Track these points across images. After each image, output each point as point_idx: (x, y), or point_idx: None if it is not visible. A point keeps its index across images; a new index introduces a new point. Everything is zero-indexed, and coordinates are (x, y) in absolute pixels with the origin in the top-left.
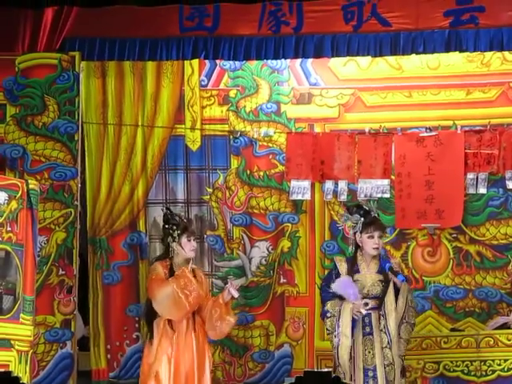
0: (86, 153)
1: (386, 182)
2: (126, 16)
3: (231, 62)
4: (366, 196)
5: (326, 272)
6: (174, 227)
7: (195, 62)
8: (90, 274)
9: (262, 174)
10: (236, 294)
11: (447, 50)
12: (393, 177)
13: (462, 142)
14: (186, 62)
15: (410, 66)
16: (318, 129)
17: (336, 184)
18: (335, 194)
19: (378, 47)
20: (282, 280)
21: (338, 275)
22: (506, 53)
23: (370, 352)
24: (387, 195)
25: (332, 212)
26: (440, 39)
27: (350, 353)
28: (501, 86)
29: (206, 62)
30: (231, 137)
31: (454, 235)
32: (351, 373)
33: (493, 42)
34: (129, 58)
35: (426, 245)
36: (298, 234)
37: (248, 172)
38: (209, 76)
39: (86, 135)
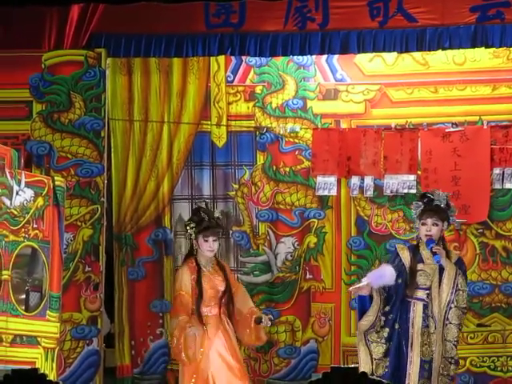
0: (112, 149)
1: (413, 177)
2: (152, 13)
3: (257, 58)
4: (391, 192)
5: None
6: (192, 224)
7: (221, 58)
8: (115, 270)
9: (287, 169)
10: (269, 323)
11: (473, 46)
12: (419, 172)
13: (488, 137)
14: (212, 58)
15: (435, 62)
16: (344, 124)
17: (362, 180)
18: (361, 189)
19: (403, 43)
20: (307, 276)
21: (400, 262)
22: None
23: (426, 344)
24: (413, 191)
25: (358, 208)
26: (466, 35)
27: (407, 342)
28: None
29: (232, 58)
30: (257, 133)
31: (480, 230)
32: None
33: None
34: (155, 54)
35: (453, 240)
36: (324, 230)
37: (274, 168)
38: (235, 72)
39: (112, 132)
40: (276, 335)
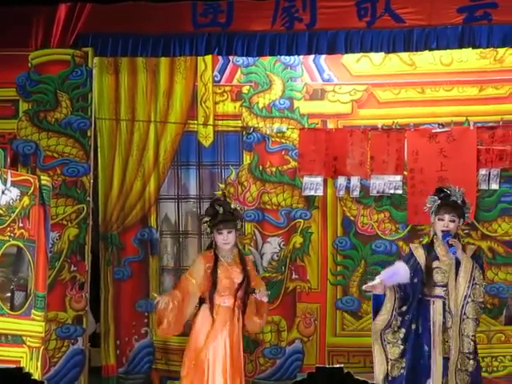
0: (99, 149)
1: (399, 177)
2: (140, 12)
3: (244, 57)
4: (378, 192)
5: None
6: (206, 218)
7: (208, 57)
8: (101, 269)
9: (274, 169)
10: (265, 299)
11: (460, 46)
12: (405, 173)
13: (475, 138)
14: (199, 57)
15: (422, 62)
16: (330, 125)
17: (348, 180)
18: (348, 189)
19: (391, 43)
20: (293, 276)
21: (415, 262)
22: None
23: (447, 342)
24: (400, 191)
25: (344, 208)
26: (453, 35)
27: (429, 340)
28: None
29: (219, 57)
30: (244, 133)
31: (466, 231)
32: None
33: (506, 38)
34: (142, 54)
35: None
36: (310, 230)
37: (260, 168)
38: (222, 72)
39: (98, 131)
40: (261, 335)
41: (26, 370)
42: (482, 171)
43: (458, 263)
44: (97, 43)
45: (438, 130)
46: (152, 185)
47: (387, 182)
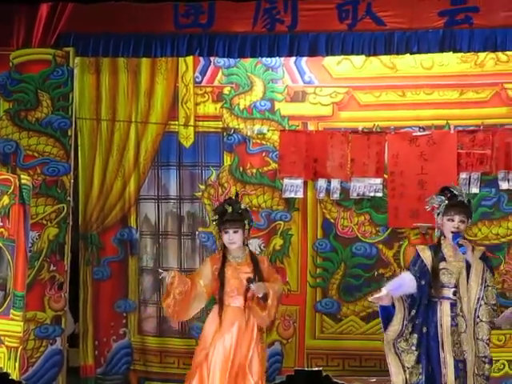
0: (79, 148)
1: (379, 180)
2: (121, 12)
3: (225, 59)
4: (358, 195)
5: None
6: (214, 217)
7: (189, 58)
8: (80, 269)
9: (254, 171)
10: (258, 293)
11: (441, 50)
12: (386, 176)
13: (455, 141)
14: (180, 58)
15: (403, 66)
16: (311, 127)
17: (329, 182)
18: (328, 192)
19: (372, 46)
20: None
21: (421, 264)
22: (500, 53)
23: (457, 344)
24: (380, 194)
25: (324, 210)
26: (434, 39)
27: (437, 344)
28: (494, 87)
29: (201, 59)
30: (224, 134)
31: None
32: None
33: (487, 42)
34: (123, 54)
35: (419, 244)
36: (290, 232)
37: (241, 169)
38: (203, 73)
39: (79, 131)
40: None
41: (4, 370)
42: (463, 175)
43: (468, 266)
44: (78, 43)
45: (419, 134)
46: (132, 185)
47: (367, 185)
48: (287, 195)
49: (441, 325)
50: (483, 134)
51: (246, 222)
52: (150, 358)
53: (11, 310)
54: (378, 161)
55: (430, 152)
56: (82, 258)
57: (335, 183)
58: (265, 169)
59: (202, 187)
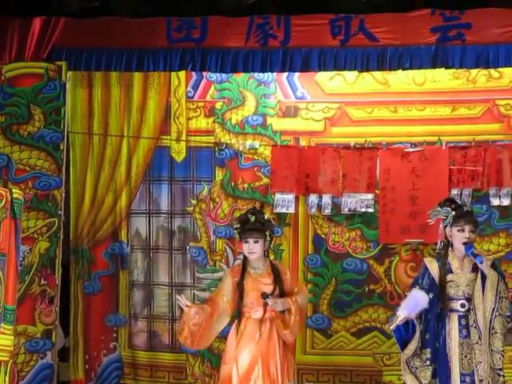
0: (71, 162)
1: (370, 196)
2: (114, 27)
3: (218, 74)
4: (349, 210)
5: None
6: (236, 225)
7: (182, 73)
8: (71, 283)
9: (246, 186)
10: (277, 308)
11: (433, 66)
12: (377, 191)
13: (447, 157)
14: (172, 73)
15: (396, 82)
16: (303, 142)
17: (320, 198)
18: (319, 207)
19: (364, 62)
20: None
21: (429, 276)
22: (492, 70)
23: (466, 356)
24: (371, 210)
25: (316, 226)
26: (426, 55)
27: (441, 357)
28: (486, 103)
29: (193, 73)
30: (216, 149)
31: (438, 251)
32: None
33: (479, 58)
34: (116, 68)
35: (409, 260)
36: (281, 247)
37: (232, 184)
38: (195, 88)
39: (71, 145)
40: None
41: None
42: (454, 191)
43: (483, 277)
44: (71, 57)
45: (411, 150)
46: (123, 199)
47: (359, 201)
48: (278, 210)
49: (450, 337)
50: (475, 150)
51: (267, 232)
52: (141, 372)
53: (2, 324)
54: (370, 176)
55: (422, 168)
56: (73, 272)
57: (327, 198)
58: (256, 184)
59: (194, 202)
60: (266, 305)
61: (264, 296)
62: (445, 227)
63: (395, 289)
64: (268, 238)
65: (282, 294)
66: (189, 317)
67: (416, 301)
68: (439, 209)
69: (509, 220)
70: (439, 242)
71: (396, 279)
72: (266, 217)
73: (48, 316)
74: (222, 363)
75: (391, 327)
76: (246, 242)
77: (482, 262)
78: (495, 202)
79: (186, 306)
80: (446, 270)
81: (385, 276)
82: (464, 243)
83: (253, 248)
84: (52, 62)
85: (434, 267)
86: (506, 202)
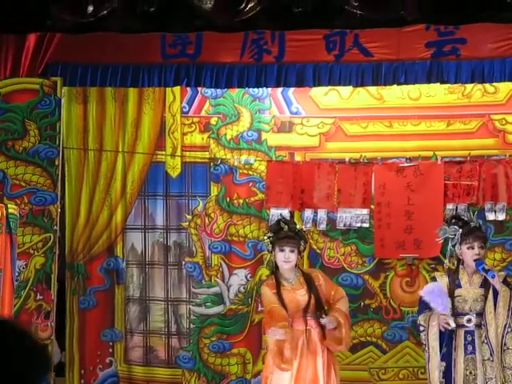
0: (66, 178)
1: (366, 211)
2: (109, 42)
3: (213, 89)
4: (345, 225)
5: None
6: (270, 234)
7: (177, 89)
8: (67, 298)
9: (241, 201)
10: (330, 325)
11: (428, 81)
12: (372, 206)
13: (442, 172)
14: (167, 88)
15: (390, 96)
16: (298, 157)
17: (315, 213)
18: (314, 222)
19: (359, 77)
20: (259, 308)
21: None
22: (487, 85)
23: (471, 373)
24: (366, 225)
25: (311, 241)
26: (421, 70)
27: (450, 372)
28: (481, 118)
29: (188, 89)
30: (211, 164)
31: (433, 265)
32: None
33: (474, 73)
34: (111, 84)
35: (405, 275)
36: None
37: (228, 199)
38: (190, 103)
39: (66, 160)
40: (227, 367)
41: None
42: (449, 206)
43: (495, 293)
44: (66, 73)
45: (406, 164)
46: (119, 215)
47: (354, 216)
48: None
49: (455, 354)
50: (470, 165)
51: (302, 242)
52: None
53: None
54: (365, 191)
55: (417, 183)
56: (69, 287)
57: (322, 214)
58: (251, 199)
59: (189, 217)
60: (305, 315)
61: (317, 316)
62: (454, 245)
63: (390, 304)
64: (302, 248)
65: (319, 302)
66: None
67: (438, 289)
68: (446, 227)
69: (504, 235)
70: (447, 260)
71: (391, 294)
72: (298, 226)
73: (44, 331)
74: (263, 375)
75: (452, 325)
76: (282, 250)
77: (493, 277)
78: (490, 216)
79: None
80: (455, 285)
81: (380, 291)
82: (474, 260)
83: (289, 257)
84: (47, 77)
85: (444, 281)
86: (501, 216)
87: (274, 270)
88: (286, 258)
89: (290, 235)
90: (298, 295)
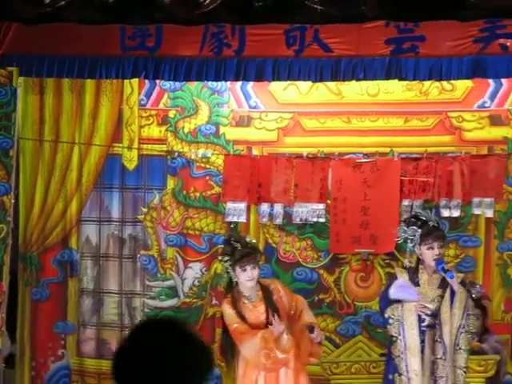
0: (21, 169)
1: (322, 206)
2: (67, 33)
3: (171, 82)
4: (301, 220)
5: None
6: (226, 257)
7: (135, 81)
8: (19, 290)
9: (198, 195)
10: (319, 339)
11: (387, 78)
12: (329, 201)
13: (399, 168)
14: (125, 81)
15: (349, 92)
16: (256, 152)
17: (272, 207)
18: (271, 216)
19: (318, 72)
20: (213, 301)
21: None
22: (444, 82)
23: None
24: (322, 219)
25: (267, 235)
26: (380, 66)
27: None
28: (438, 115)
29: (146, 81)
30: (169, 157)
31: (387, 261)
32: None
33: (432, 71)
34: (68, 75)
35: (359, 270)
36: None
37: (184, 193)
38: (148, 95)
39: (21, 151)
40: None
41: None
42: (405, 202)
43: (452, 293)
44: (22, 63)
45: (363, 160)
46: (74, 206)
47: (310, 210)
48: (230, 219)
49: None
50: (426, 161)
51: (258, 254)
52: (89, 379)
53: None
54: (322, 186)
55: (374, 179)
56: (21, 278)
57: (278, 208)
58: (208, 192)
59: (145, 210)
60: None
61: (310, 329)
62: (413, 246)
63: (345, 298)
64: (259, 260)
65: (279, 315)
66: None
67: (404, 282)
68: (405, 228)
69: (458, 231)
70: (407, 259)
71: (346, 289)
72: (248, 239)
73: None
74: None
75: (431, 307)
76: (244, 270)
77: (452, 277)
78: (445, 213)
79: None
80: (414, 283)
81: (334, 286)
82: (434, 259)
83: (252, 274)
84: (3, 67)
85: (403, 278)
86: (455, 213)
87: (233, 288)
88: (249, 277)
89: (247, 252)
90: (259, 312)
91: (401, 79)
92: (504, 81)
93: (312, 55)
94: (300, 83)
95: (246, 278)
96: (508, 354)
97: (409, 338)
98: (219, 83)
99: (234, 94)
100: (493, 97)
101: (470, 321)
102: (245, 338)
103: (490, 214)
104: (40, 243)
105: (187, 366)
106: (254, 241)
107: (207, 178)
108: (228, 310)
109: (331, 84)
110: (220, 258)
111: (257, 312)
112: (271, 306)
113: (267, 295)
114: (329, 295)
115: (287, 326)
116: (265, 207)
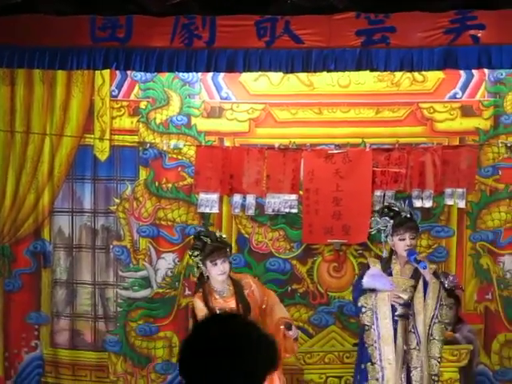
0: None
1: (294, 197)
2: (37, 24)
3: (142, 73)
4: (273, 211)
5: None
6: (196, 252)
7: (106, 72)
8: None
9: (170, 185)
10: (295, 335)
11: (358, 69)
12: (301, 192)
13: (370, 159)
14: (96, 72)
15: (320, 83)
16: (227, 143)
17: (244, 198)
18: (243, 207)
19: (289, 63)
20: (186, 292)
21: None
22: (416, 73)
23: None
24: (295, 210)
25: (239, 226)
26: (351, 58)
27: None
28: (410, 106)
29: (117, 72)
30: (140, 148)
31: (360, 251)
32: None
33: (403, 62)
34: (38, 66)
35: (332, 260)
36: None
37: (156, 184)
38: (119, 87)
39: None
40: (154, 350)
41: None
42: (377, 193)
43: (425, 284)
44: None
45: (335, 151)
46: (46, 198)
47: (282, 201)
48: (202, 210)
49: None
50: (398, 152)
51: (228, 248)
52: (63, 370)
53: None
54: (294, 177)
55: (346, 169)
56: None
57: (250, 199)
58: (180, 183)
59: (117, 201)
60: None
61: (287, 326)
62: (386, 237)
63: (317, 289)
64: (229, 254)
65: (248, 311)
66: None
67: (377, 271)
68: (378, 219)
69: (430, 222)
70: (384, 250)
71: (319, 279)
72: (218, 234)
73: None
74: None
75: (405, 297)
76: (215, 264)
77: (425, 268)
78: (418, 203)
79: None
80: (386, 273)
81: (307, 276)
82: (406, 250)
83: (224, 268)
84: None
85: (376, 268)
86: (428, 203)
87: (204, 283)
88: (221, 271)
89: (217, 246)
90: (230, 306)
91: (372, 70)
92: (475, 72)
93: (283, 46)
94: (271, 74)
95: (218, 272)
96: (481, 343)
97: (382, 328)
98: (190, 74)
99: (205, 85)
100: (464, 88)
101: (443, 311)
102: None
103: (462, 204)
104: (12, 234)
105: (254, 361)
106: (224, 236)
107: (179, 169)
108: (199, 305)
109: (302, 75)
110: (190, 253)
111: (227, 305)
112: (242, 300)
113: (238, 290)
114: (302, 285)
115: (259, 321)
116: (237, 198)
